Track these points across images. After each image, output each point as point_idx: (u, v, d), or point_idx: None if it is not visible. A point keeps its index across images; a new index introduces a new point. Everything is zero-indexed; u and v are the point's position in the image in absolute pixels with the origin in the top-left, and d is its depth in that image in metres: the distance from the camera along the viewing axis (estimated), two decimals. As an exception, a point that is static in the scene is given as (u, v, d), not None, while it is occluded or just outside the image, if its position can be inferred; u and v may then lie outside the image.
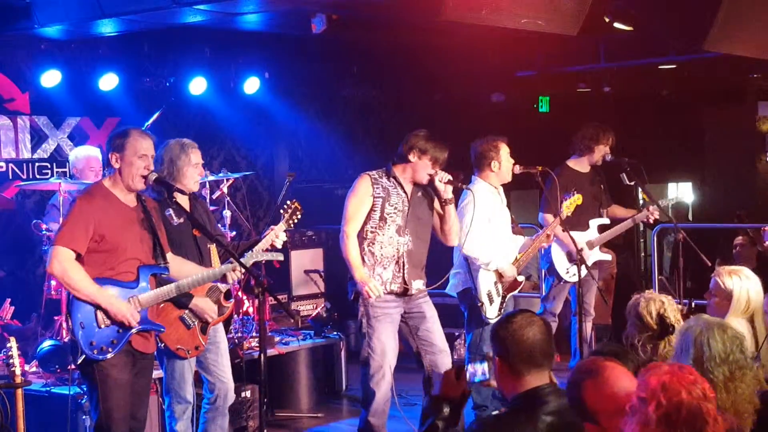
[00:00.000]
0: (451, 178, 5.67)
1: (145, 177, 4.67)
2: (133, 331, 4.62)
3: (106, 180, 4.77)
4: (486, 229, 6.20)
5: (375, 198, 5.64)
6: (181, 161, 5.31)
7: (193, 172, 5.33)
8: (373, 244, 5.64)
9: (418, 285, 5.75)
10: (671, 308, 4.35)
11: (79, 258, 4.57)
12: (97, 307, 4.54)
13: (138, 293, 4.65)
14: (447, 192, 5.69)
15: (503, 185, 6.53)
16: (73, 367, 5.46)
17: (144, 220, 4.76)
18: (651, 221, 7.57)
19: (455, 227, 5.84)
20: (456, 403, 3.28)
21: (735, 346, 3.31)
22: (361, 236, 5.65)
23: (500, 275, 6.26)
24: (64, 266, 4.51)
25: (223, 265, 5.07)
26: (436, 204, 5.81)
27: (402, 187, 5.70)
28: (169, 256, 4.93)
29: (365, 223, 5.64)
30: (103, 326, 4.55)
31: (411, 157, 5.65)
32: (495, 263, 6.20)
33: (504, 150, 6.36)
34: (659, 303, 4.32)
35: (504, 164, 6.35)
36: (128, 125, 7.58)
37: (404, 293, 5.69)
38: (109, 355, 4.55)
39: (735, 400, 3.16)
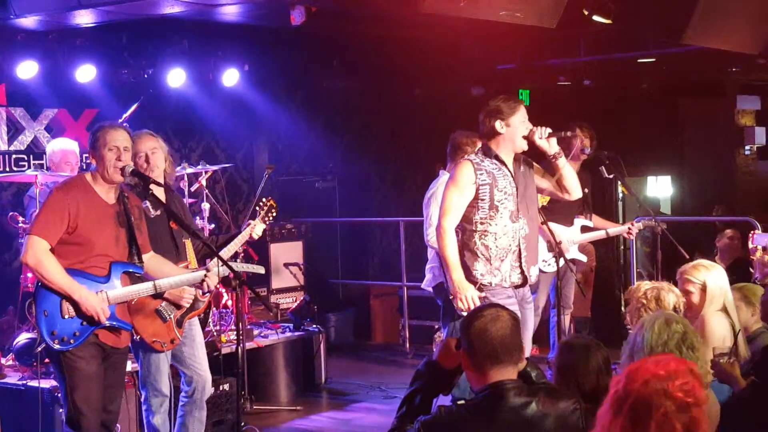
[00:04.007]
0: (551, 130, 5.16)
1: (121, 169, 4.64)
2: (98, 326, 4.57)
3: (88, 174, 4.73)
4: None
5: (480, 186, 5.06)
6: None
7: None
8: (486, 235, 5.09)
9: (534, 271, 5.31)
10: (682, 304, 4.39)
11: (52, 249, 4.54)
12: (68, 299, 4.51)
13: (107, 289, 4.60)
14: (552, 146, 5.18)
15: None
16: (48, 360, 5.42)
17: (122, 219, 4.70)
18: (631, 237, 7.55)
19: (573, 178, 5.31)
20: (450, 373, 3.28)
21: (672, 339, 3.26)
22: (471, 229, 5.11)
23: None
24: (38, 256, 4.49)
25: (199, 270, 4.98)
26: (535, 176, 5.35)
27: (506, 166, 5.14)
28: (150, 254, 4.89)
29: (473, 213, 5.09)
30: (67, 317, 4.52)
31: (499, 128, 5.10)
32: None
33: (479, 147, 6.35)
34: (675, 297, 4.36)
35: None
36: (105, 117, 7.57)
37: (524, 283, 5.21)
38: (69, 347, 4.52)
39: None
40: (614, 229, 7.53)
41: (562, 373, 3.62)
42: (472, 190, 5.06)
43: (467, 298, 4.98)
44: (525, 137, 5.12)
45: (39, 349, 4.57)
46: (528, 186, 5.24)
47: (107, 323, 4.59)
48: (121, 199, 4.74)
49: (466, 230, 5.11)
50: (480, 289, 5.07)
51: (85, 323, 4.55)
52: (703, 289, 4.58)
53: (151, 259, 4.89)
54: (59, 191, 4.65)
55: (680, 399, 2.28)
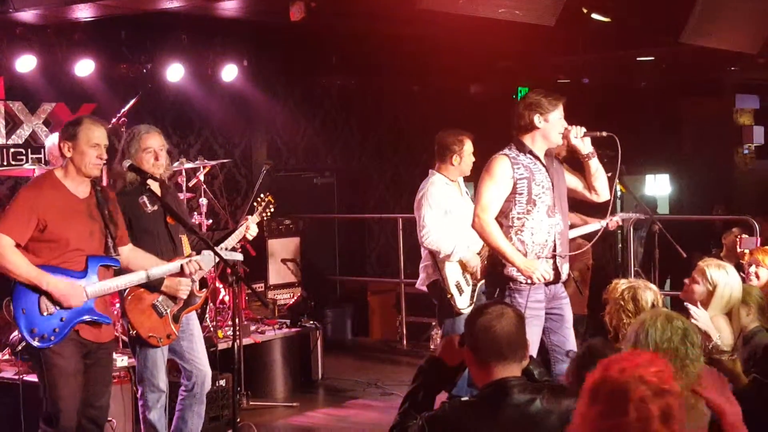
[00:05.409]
0: (585, 129, 5.15)
1: (99, 165, 4.59)
2: (77, 320, 4.56)
3: (58, 170, 4.67)
4: (444, 221, 6.17)
5: (518, 180, 5.01)
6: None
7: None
8: (522, 231, 5.04)
9: (566, 269, 5.24)
10: (660, 300, 4.39)
11: (21, 247, 4.49)
12: (40, 290, 4.49)
13: (85, 283, 4.59)
14: (587, 145, 5.16)
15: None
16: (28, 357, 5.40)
17: (95, 212, 4.66)
18: (611, 228, 7.44)
19: (604, 179, 5.27)
20: (453, 369, 3.28)
21: (676, 335, 3.27)
22: (507, 224, 5.05)
23: (464, 265, 6.24)
24: (1, 252, 4.44)
25: (178, 260, 4.96)
26: (566, 174, 5.31)
27: (540, 161, 5.10)
28: (129, 247, 4.87)
29: (510, 208, 5.05)
30: (45, 314, 4.49)
31: (537, 123, 5.06)
32: (457, 254, 6.14)
33: (468, 146, 6.35)
34: (653, 294, 4.36)
35: (465, 159, 6.33)
36: (103, 112, 7.54)
37: (556, 280, 5.14)
38: (50, 344, 4.50)
39: None
40: (590, 226, 7.38)
41: (572, 374, 3.60)
42: (510, 184, 5.02)
43: (543, 274, 4.95)
44: (560, 134, 5.11)
45: (19, 348, 4.54)
46: (561, 181, 5.21)
47: (84, 318, 4.57)
48: (95, 191, 4.69)
49: (502, 226, 5.05)
50: (509, 287, 5.03)
51: (64, 319, 4.53)
52: (712, 288, 4.58)
53: (131, 252, 4.87)
54: (27, 190, 4.61)
55: (655, 384, 2.32)
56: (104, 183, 5.13)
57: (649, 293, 4.36)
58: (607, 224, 7.05)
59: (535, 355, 4.77)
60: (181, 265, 4.89)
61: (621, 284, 4.47)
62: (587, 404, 2.36)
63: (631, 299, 4.35)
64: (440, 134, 6.44)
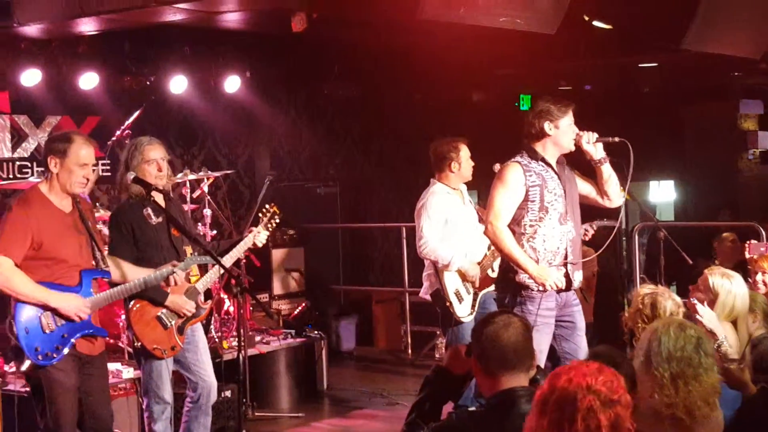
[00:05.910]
0: (597, 135, 5.15)
1: (84, 184, 4.59)
2: (77, 335, 4.55)
3: (42, 184, 4.63)
4: (443, 230, 6.18)
5: (530, 187, 5.04)
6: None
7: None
8: (535, 238, 5.05)
9: (579, 277, 5.22)
10: (681, 312, 4.38)
11: (17, 266, 4.46)
12: (46, 308, 4.47)
13: (82, 297, 4.58)
14: (599, 151, 5.17)
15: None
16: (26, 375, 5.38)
17: (81, 225, 4.66)
18: (586, 239, 7.37)
19: (616, 185, 5.26)
20: (460, 379, 3.28)
21: (689, 344, 3.25)
22: (519, 231, 5.07)
23: (464, 274, 6.24)
24: (6, 275, 4.40)
25: (166, 267, 4.94)
26: (577, 179, 5.31)
27: (552, 168, 5.13)
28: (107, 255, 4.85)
29: (522, 216, 5.07)
30: (47, 331, 4.48)
31: (548, 130, 5.10)
32: (455, 263, 6.15)
33: (464, 151, 6.35)
34: (673, 303, 4.35)
35: (464, 165, 6.34)
36: (107, 125, 7.55)
37: (568, 288, 5.14)
38: (54, 361, 4.48)
39: (686, 398, 3.12)
40: None
41: None
42: (522, 191, 5.05)
43: (555, 282, 4.99)
44: (571, 140, 5.13)
45: (23, 368, 4.52)
46: (573, 188, 5.23)
47: (83, 332, 4.57)
48: (75, 204, 4.68)
49: (514, 233, 5.07)
50: (521, 294, 5.04)
51: (66, 335, 4.52)
52: (714, 297, 4.56)
53: (117, 262, 4.87)
54: (19, 208, 4.53)
55: (604, 394, 2.31)
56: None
57: (670, 302, 4.34)
58: (585, 231, 7.02)
59: (544, 363, 4.81)
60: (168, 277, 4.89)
61: (644, 289, 4.47)
62: (536, 416, 2.34)
63: (649, 305, 4.34)
64: (434, 144, 6.44)
